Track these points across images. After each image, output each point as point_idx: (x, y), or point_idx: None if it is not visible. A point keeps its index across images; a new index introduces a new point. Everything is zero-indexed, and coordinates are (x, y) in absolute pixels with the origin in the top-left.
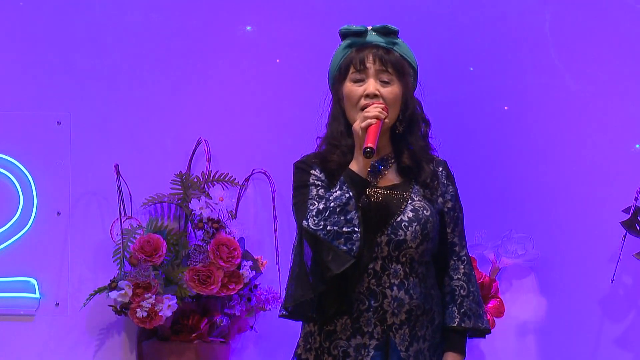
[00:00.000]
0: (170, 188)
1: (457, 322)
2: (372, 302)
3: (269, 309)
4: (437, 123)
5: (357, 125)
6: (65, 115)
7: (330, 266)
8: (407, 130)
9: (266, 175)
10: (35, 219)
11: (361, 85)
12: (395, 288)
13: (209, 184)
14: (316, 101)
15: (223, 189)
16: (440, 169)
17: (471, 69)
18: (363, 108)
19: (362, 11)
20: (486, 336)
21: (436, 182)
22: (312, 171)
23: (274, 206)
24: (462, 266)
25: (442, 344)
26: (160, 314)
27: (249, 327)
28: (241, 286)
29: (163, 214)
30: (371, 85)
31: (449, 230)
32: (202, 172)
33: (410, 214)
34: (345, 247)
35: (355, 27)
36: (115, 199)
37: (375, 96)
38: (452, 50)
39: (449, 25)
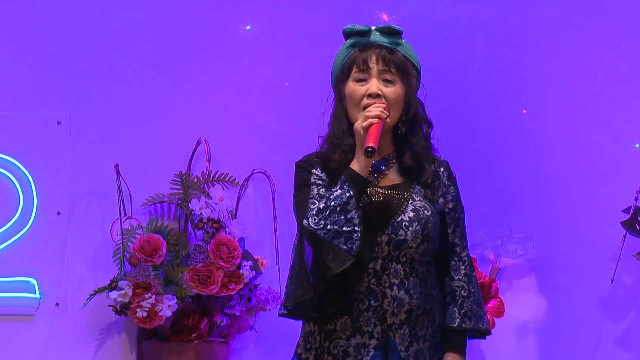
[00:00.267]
0: (170, 188)
1: (457, 323)
2: (372, 301)
3: (269, 309)
4: (437, 123)
5: (359, 124)
6: (65, 115)
7: (330, 265)
8: (409, 130)
9: (266, 175)
10: (35, 219)
11: (364, 85)
12: (395, 288)
13: (209, 184)
14: (317, 101)
15: (223, 189)
16: (442, 169)
17: (473, 67)
18: (365, 107)
19: (364, 11)
20: (486, 337)
21: (437, 182)
22: (314, 170)
23: (274, 206)
24: (463, 267)
25: (443, 344)
26: (160, 314)
27: (249, 327)
28: (241, 286)
29: (163, 214)
30: (374, 85)
31: (449, 231)
32: (202, 172)
33: (411, 214)
34: (345, 247)
35: (359, 27)
36: (115, 199)
37: (377, 96)
38: (451, 51)
39: (448, 26)
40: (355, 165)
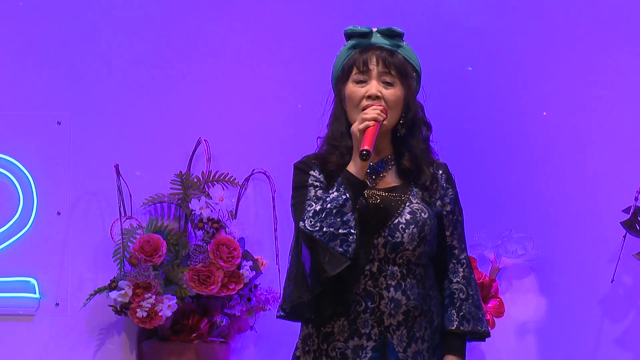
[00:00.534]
0: (170, 188)
1: (455, 326)
2: (369, 303)
3: (269, 309)
4: (438, 124)
5: (355, 127)
6: (65, 115)
7: (326, 268)
8: (408, 133)
9: (266, 175)
10: (35, 219)
11: (363, 87)
12: (392, 289)
13: (209, 184)
14: (317, 101)
15: (223, 189)
16: (440, 172)
17: (470, 68)
18: (364, 109)
19: (366, 11)
20: (486, 339)
21: (435, 185)
22: (312, 172)
23: (274, 206)
24: (462, 269)
25: (442, 345)
26: (160, 314)
27: (249, 327)
28: (241, 286)
29: (163, 214)
30: (373, 87)
31: (447, 234)
32: (202, 172)
33: (408, 217)
34: (341, 249)
35: (360, 29)
36: (115, 199)
37: (377, 97)
38: (449, 51)
39: (444, 29)
40: (351, 168)
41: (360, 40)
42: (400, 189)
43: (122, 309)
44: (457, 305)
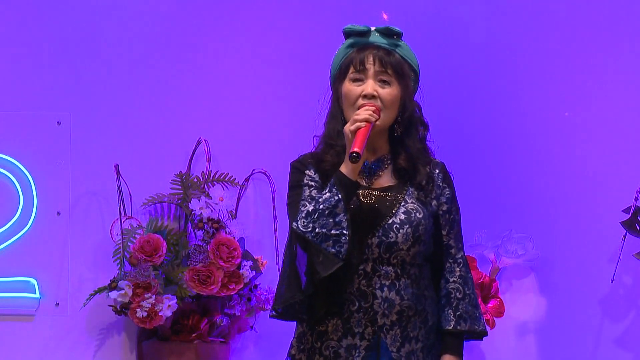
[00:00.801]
0: (170, 188)
1: (452, 325)
2: (362, 302)
3: (269, 309)
4: (438, 124)
5: (347, 127)
6: (65, 115)
7: (318, 268)
8: (404, 132)
9: (266, 175)
10: (35, 219)
11: (360, 85)
12: (385, 289)
13: (209, 184)
14: (317, 101)
15: (223, 189)
16: (437, 171)
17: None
18: (360, 108)
19: (365, 11)
20: (484, 338)
21: (431, 184)
22: (307, 171)
23: (274, 206)
24: (458, 269)
25: (437, 344)
26: (160, 314)
27: (249, 327)
28: (241, 286)
29: (163, 214)
30: (369, 86)
31: (444, 233)
32: (202, 172)
33: (402, 216)
34: (333, 250)
35: (358, 27)
36: (115, 199)
37: (372, 97)
38: (449, 51)
39: (445, 29)
40: (344, 168)
41: (358, 38)
42: (395, 188)
43: (122, 309)
44: (453, 304)
